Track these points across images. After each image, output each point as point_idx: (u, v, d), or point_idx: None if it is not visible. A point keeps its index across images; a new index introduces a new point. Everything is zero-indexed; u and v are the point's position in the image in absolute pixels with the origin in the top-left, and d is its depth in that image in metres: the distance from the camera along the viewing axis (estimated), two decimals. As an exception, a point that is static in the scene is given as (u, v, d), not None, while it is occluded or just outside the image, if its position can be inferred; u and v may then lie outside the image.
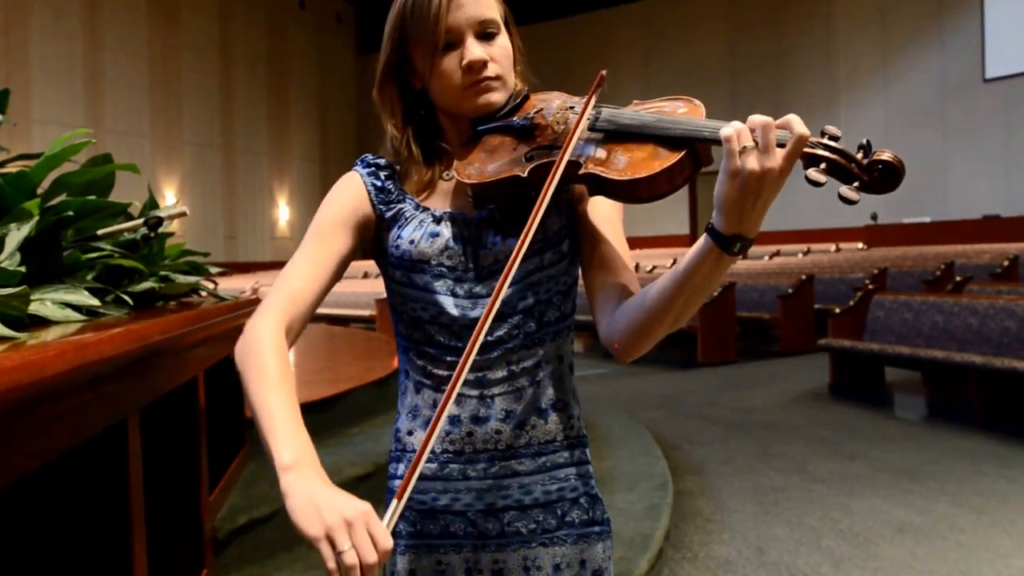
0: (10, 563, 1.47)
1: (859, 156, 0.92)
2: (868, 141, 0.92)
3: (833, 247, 15.67)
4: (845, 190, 0.90)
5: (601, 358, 9.61)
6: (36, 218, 1.62)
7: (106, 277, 1.99)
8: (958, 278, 8.17)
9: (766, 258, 14.48)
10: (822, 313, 8.81)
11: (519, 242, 1.02)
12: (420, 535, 1.15)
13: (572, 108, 1.13)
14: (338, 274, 1.15)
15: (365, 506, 0.88)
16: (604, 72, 1.08)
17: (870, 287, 8.02)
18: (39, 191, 1.81)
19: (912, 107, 17.41)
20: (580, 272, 1.20)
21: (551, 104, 1.15)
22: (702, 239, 0.98)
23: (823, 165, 0.91)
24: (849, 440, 5.40)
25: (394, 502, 0.93)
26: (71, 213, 1.76)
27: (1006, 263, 10.18)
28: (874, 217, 16.35)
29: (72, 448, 1.31)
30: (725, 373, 8.48)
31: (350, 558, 0.84)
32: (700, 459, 5.02)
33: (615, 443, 4.87)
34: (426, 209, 1.16)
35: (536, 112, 1.14)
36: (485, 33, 1.12)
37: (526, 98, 1.17)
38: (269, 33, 22.65)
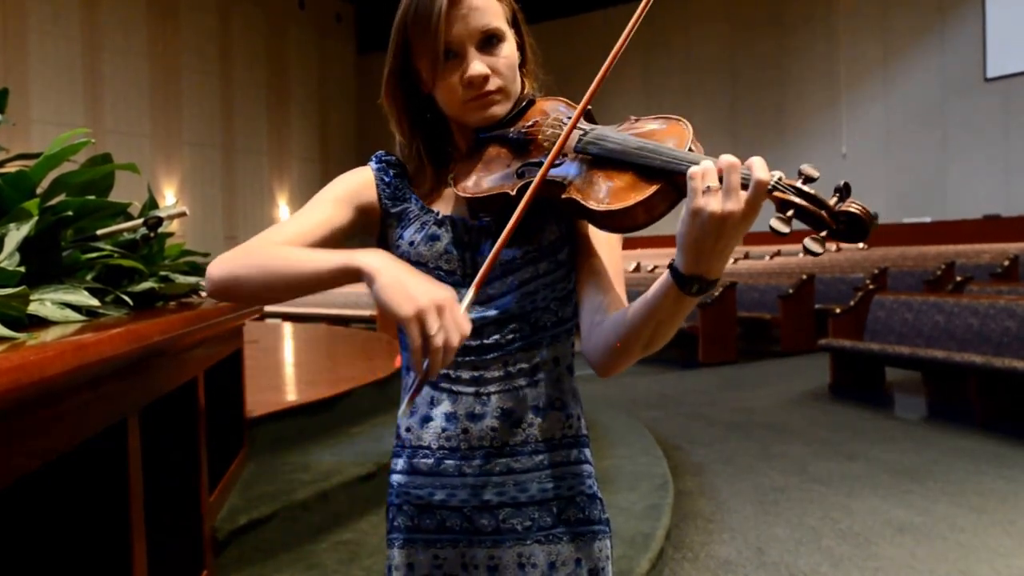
0: (10, 563, 1.47)
1: (832, 201, 0.89)
2: (846, 184, 0.89)
3: (834, 247, 15.66)
4: (809, 241, 0.88)
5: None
6: (35, 218, 1.61)
7: (106, 277, 1.99)
8: (958, 278, 8.18)
9: (766, 258, 14.49)
10: (822, 313, 8.81)
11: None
12: (417, 529, 1.16)
13: (565, 120, 1.12)
14: (326, 241, 1.14)
15: (450, 291, 0.93)
16: None
17: (870, 287, 8.02)
18: (38, 191, 1.80)
19: (913, 107, 17.42)
20: None
21: (548, 116, 1.14)
22: (664, 274, 0.97)
23: (790, 212, 0.88)
24: (849, 440, 5.40)
25: (471, 291, 0.99)
26: (70, 213, 1.75)
27: (1006, 263, 10.18)
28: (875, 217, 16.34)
29: (72, 448, 1.31)
30: (725, 373, 8.48)
31: (440, 339, 0.89)
32: (700, 459, 5.02)
33: (615, 443, 4.87)
34: (430, 211, 1.17)
35: (532, 125, 1.14)
36: (488, 42, 1.11)
37: (531, 103, 1.17)
38: (269, 33, 22.65)
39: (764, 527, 3.80)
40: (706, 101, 19.74)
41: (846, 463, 4.84)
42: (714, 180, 0.88)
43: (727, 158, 0.88)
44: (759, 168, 0.87)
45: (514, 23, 1.17)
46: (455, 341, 0.90)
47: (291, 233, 1.10)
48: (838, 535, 3.67)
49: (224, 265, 1.05)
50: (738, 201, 0.87)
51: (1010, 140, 16.16)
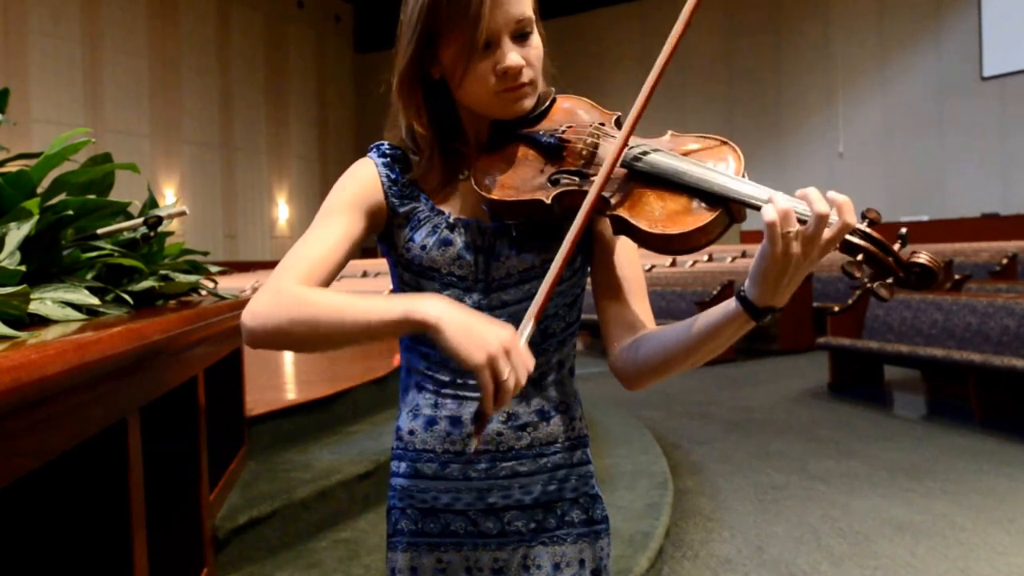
0: (10, 563, 1.47)
1: (896, 247, 0.90)
2: (906, 231, 0.91)
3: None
4: (879, 287, 0.89)
5: (601, 357, 9.60)
6: (36, 217, 1.62)
7: (106, 276, 1.99)
8: (957, 276, 8.17)
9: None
10: (821, 311, 8.80)
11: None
12: (421, 533, 1.15)
13: (603, 126, 1.08)
14: (348, 255, 1.11)
15: (512, 330, 0.94)
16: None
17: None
18: (39, 190, 1.81)
19: (910, 105, 17.43)
20: (590, 288, 1.20)
21: (581, 120, 1.10)
22: (731, 304, 0.99)
23: (860, 256, 0.89)
24: (848, 438, 5.41)
25: (530, 323, 0.97)
26: (71, 212, 1.76)
27: (1005, 261, 10.18)
28: (873, 216, 16.35)
29: (73, 447, 1.31)
30: (724, 372, 8.48)
31: (512, 382, 0.91)
32: (700, 457, 5.02)
33: (615, 442, 4.87)
34: (440, 212, 1.13)
35: (565, 129, 1.09)
36: (522, 33, 1.07)
37: (553, 101, 1.14)
38: (267, 32, 22.65)
39: (764, 525, 3.80)
40: (703, 101, 19.74)
41: (845, 461, 4.84)
42: (794, 224, 0.89)
43: (815, 200, 0.89)
44: (848, 212, 0.89)
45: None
46: (523, 380, 0.93)
47: (315, 257, 1.06)
48: (838, 533, 3.67)
49: (264, 317, 1.00)
50: (819, 244, 0.90)
51: (1007, 138, 16.18)
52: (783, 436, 5.54)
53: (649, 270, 12.73)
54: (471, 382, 1.11)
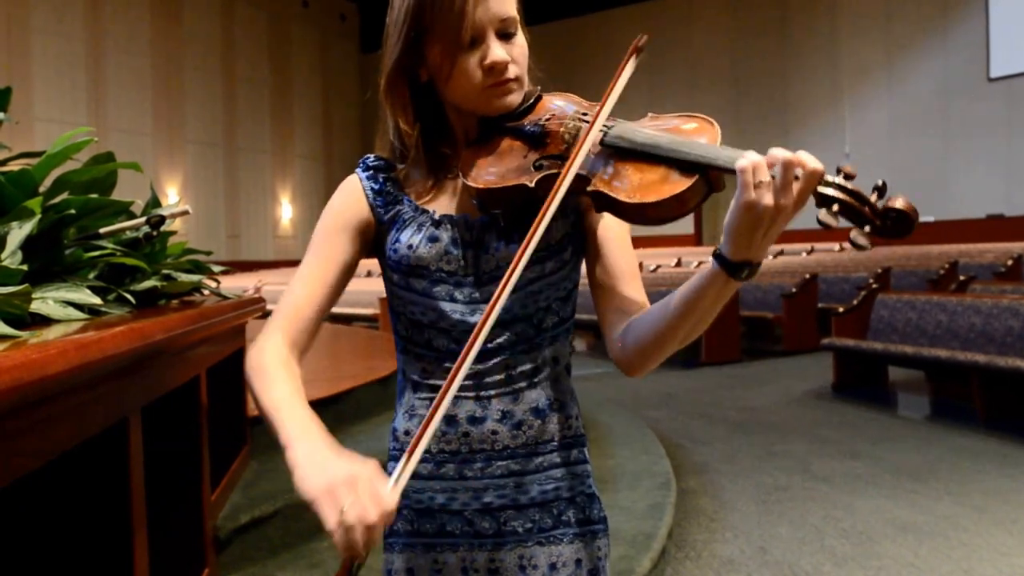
0: (11, 562, 1.47)
1: (873, 198, 0.90)
2: (884, 182, 0.90)
3: (836, 246, 15.63)
4: (856, 235, 0.89)
5: (604, 357, 9.60)
6: (38, 216, 1.62)
7: (108, 275, 1.99)
8: (961, 277, 8.15)
9: (770, 257, 14.45)
10: (826, 312, 8.79)
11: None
12: (417, 534, 1.15)
13: (584, 116, 1.10)
14: (342, 283, 1.15)
15: (371, 465, 0.88)
16: (640, 40, 0.99)
17: (873, 286, 7.99)
18: (41, 189, 1.81)
19: (916, 106, 17.38)
20: (585, 279, 1.20)
21: (564, 110, 1.12)
22: (708, 265, 0.97)
23: (835, 207, 0.90)
24: (852, 439, 5.40)
25: (402, 461, 0.93)
26: (73, 211, 1.76)
27: (1010, 262, 10.16)
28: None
29: (74, 446, 1.31)
30: (728, 372, 8.47)
31: (351, 515, 0.83)
32: (703, 458, 5.01)
33: (618, 442, 4.86)
34: (425, 211, 1.14)
35: (548, 118, 1.11)
36: (506, 30, 1.09)
37: (539, 98, 1.15)
38: (272, 31, 22.67)
39: (767, 526, 3.79)
40: (709, 100, 19.71)
41: (849, 462, 4.83)
42: (765, 174, 0.89)
43: (780, 153, 0.90)
44: (810, 160, 0.89)
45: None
46: (372, 516, 0.83)
47: (302, 302, 1.12)
48: (841, 534, 3.66)
49: (247, 369, 1.09)
50: (790, 194, 0.89)
51: (1013, 140, 16.13)
52: (787, 437, 5.53)
53: (654, 270, 12.72)
54: (467, 383, 1.11)
